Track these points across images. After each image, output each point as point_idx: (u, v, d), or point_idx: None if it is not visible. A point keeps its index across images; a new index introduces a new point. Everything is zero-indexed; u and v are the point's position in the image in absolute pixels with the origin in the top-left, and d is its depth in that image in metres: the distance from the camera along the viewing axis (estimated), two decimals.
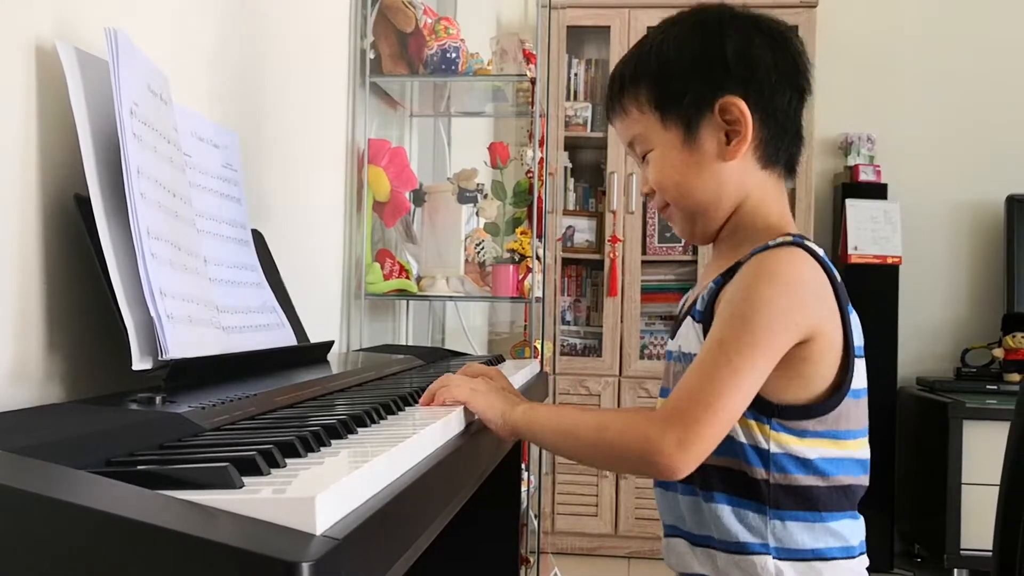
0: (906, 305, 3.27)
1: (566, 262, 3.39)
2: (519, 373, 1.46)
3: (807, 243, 0.95)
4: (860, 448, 0.96)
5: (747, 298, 0.91)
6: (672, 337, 1.06)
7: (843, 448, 0.94)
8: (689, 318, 1.00)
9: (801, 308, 0.91)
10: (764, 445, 0.92)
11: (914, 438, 3.22)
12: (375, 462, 0.64)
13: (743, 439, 0.93)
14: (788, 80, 0.99)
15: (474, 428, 0.96)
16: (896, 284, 3.21)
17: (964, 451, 2.91)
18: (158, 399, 0.82)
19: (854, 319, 0.96)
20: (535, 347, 2.35)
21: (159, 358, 0.93)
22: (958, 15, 3.46)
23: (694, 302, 1.01)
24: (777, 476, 0.92)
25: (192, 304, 1.02)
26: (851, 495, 0.95)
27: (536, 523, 2.56)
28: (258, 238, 1.39)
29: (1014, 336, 3.13)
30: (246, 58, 1.54)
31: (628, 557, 3.22)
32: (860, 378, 0.95)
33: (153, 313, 0.92)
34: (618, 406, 3.21)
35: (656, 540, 3.18)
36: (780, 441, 0.92)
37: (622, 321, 3.24)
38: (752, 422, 0.92)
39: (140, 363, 0.92)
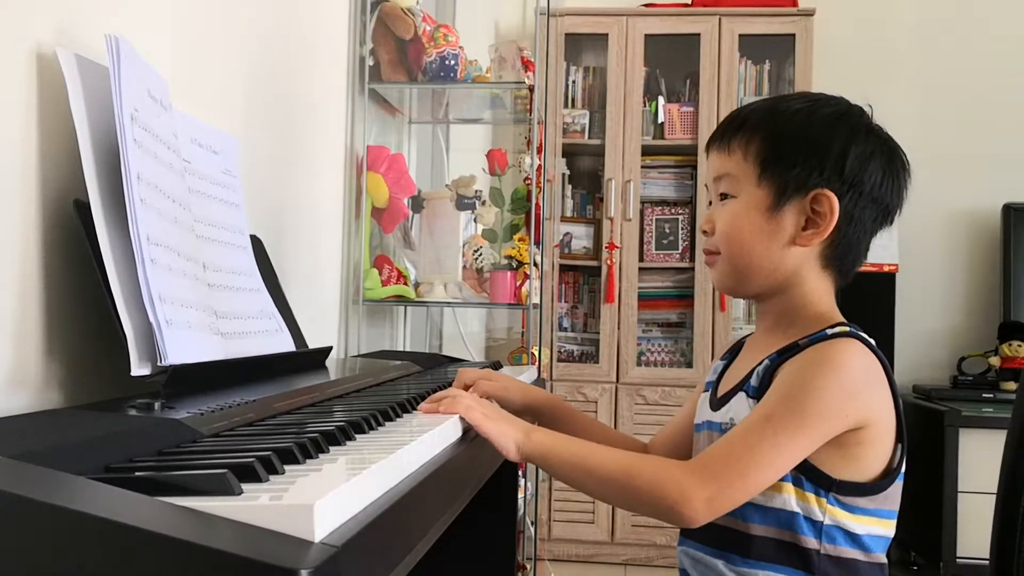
0: (902, 313, 3.27)
1: (563, 269, 3.39)
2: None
3: (863, 335, 0.99)
4: (893, 528, 1.00)
5: (803, 384, 0.94)
6: (713, 409, 1.07)
7: (885, 527, 0.98)
8: (742, 393, 1.03)
9: (853, 400, 0.94)
10: (819, 517, 0.95)
11: (910, 446, 3.22)
12: (373, 469, 0.64)
13: (798, 510, 0.96)
14: (883, 203, 1.02)
15: (472, 435, 0.96)
16: (892, 292, 3.21)
17: (960, 459, 2.91)
18: (157, 405, 0.82)
19: (901, 407, 1.00)
20: (532, 353, 2.35)
21: (158, 364, 0.93)
22: (954, 24, 3.48)
23: (747, 377, 1.03)
24: (828, 547, 0.96)
25: (191, 310, 1.02)
26: (884, 573, 0.99)
27: (533, 530, 2.56)
28: (257, 244, 1.39)
29: (1010, 344, 3.14)
30: (245, 64, 1.54)
31: (624, 564, 3.21)
32: (904, 463, 1.00)
33: (152, 319, 0.93)
34: (615, 412, 3.21)
35: (652, 547, 3.19)
36: (834, 515, 0.95)
37: (619, 328, 3.25)
38: (811, 495, 0.95)
39: (139, 369, 0.92)
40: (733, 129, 1.04)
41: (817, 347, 0.97)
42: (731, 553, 1.00)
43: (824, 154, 1.00)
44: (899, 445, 0.98)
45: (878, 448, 0.97)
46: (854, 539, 0.96)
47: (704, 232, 1.07)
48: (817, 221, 0.99)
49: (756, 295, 1.06)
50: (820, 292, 1.03)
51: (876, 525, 0.97)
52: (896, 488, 0.98)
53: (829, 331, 0.98)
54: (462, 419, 0.96)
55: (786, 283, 1.03)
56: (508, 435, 0.98)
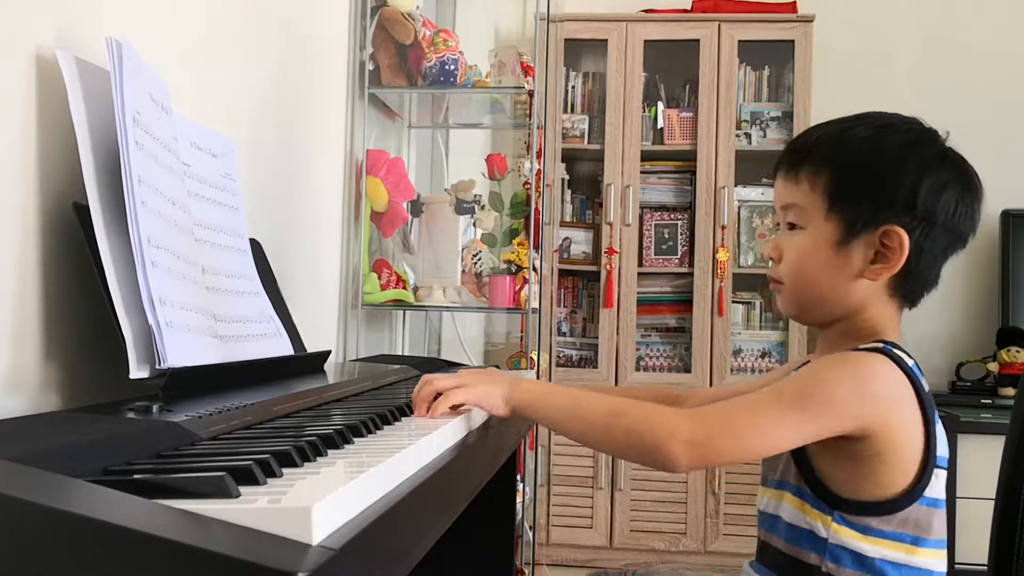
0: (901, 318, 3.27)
1: (562, 273, 3.39)
2: None
3: (896, 352, 0.96)
4: (934, 559, 0.95)
5: (817, 372, 0.94)
6: None
7: (912, 554, 0.93)
8: None
9: (865, 403, 0.91)
10: (823, 535, 0.94)
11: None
12: (371, 472, 0.64)
13: (805, 526, 0.95)
14: (957, 230, 1.00)
15: (471, 439, 0.96)
16: None
17: (959, 465, 2.91)
18: (155, 408, 0.82)
19: (939, 430, 0.96)
20: (531, 358, 2.35)
21: (156, 366, 0.93)
22: (953, 30, 3.48)
23: None
24: (830, 566, 0.94)
25: (190, 313, 1.02)
26: None
27: (531, 535, 2.56)
28: (256, 247, 1.39)
29: (1009, 350, 3.14)
30: (245, 68, 1.55)
31: (623, 569, 3.21)
32: (939, 488, 0.95)
33: (152, 321, 0.93)
34: None
35: (651, 552, 3.18)
36: (840, 534, 0.93)
37: (618, 333, 3.25)
38: (815, 511, 0.95)
39: (137, 371, 0.92)
40: (800, 158, 1.01)
41: (842, 351, 0.97)
42: (763, 566, 1.01)
43: (894, 188, 0.97)
44: (926, 468, 0.94)
45: (900, 467, 0.93)
46: (862, 562, 0.93)
47: (770, 258, 1.05)
48: (887, 255, 0.97)
49: (821, 324, 1.05)
50: (884, 319, 1.01)
51: (897, 551, 0.93)
52: (926, 514, 0.93)
53: (862, 345, 0.97)
54: (463, 422, 0.96)
55: (851, 312, 1.01)
56: (493, 393, 0.98)
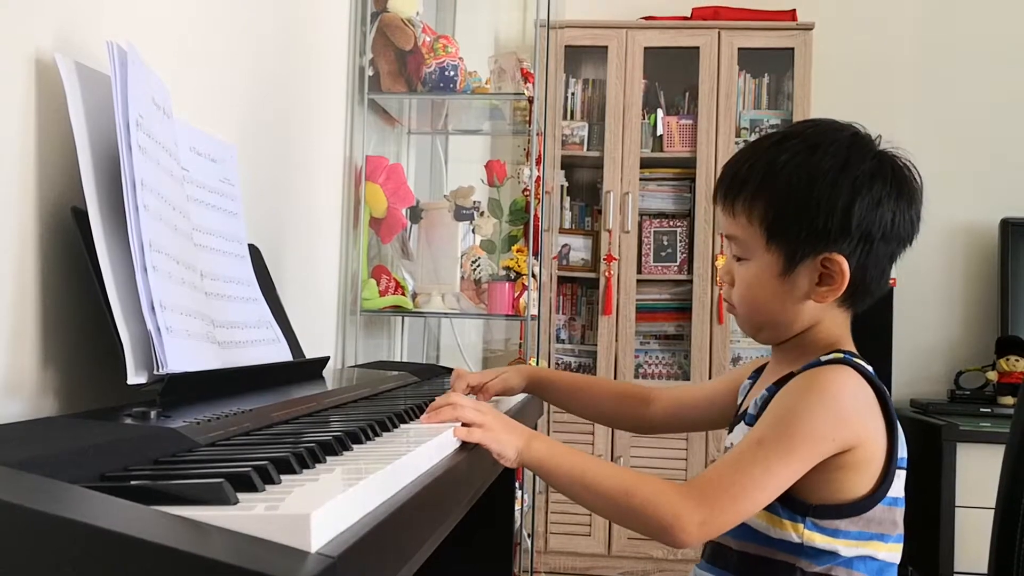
0: (900, 327, 3.27)
1: (561, 280, 3.39)
2: None
3: (856, 360, 0.99)
4: (896, 552, 0.99)
5: (793, 408, 0.95)
6: (728, 431, 1.12)
7: (878, 550, 0.97)
8: (742, 423, 1.05)
9: (841, 424, 0.94)
10: (797, 540, 0.96)
11: (908, 460, 3.21)
12: (370, 480, 0.63)
13: (776, 536, 0.97)
14: (898, 237, 1.01)
15: (469, 446, 0.96)
16: (891, 306, 3.21)
17: (958, 474, 2.91)
18: (153, 414, 0.82)
19: (900, 433, 0.99)
20: (530, 365, 2.34)
21: (156, 371, 0.93)
22: (953, 39, 3.49)
23: (750, 405, 1.06)
24: (804, 563, 0.96)
25: (189, 318, 1.02)
26: None
27: (529, 542, 2.55)
28: (255, 253, 1.39)
29: (1008, 359, 3.14)
30: (245, 73, 1.55)
31: None
32: (899, 488, 0.98)
33: (151, 326, 0.92)
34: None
35: (649, 560, 3.18)
36: (813, 539, 0.96)
37: (616, 340, 3.24)
38: (786, 521, 0.96)
39: (135, 377, 0.91)
40: (735, 191, 1.03)
41: (807, 373, 0.98)
42: (726, 571, 1.01)
43: (828, 217, 0.97)
44: (889, 471, 0.97)
45: (864, 473, 0.96)
46: (836, 561, 0.96)
47: (723, 283, 1.08)
48: (832, 278, 0.99)
49: (779, 342, 1.07)
50: (835, 326, 1.04)
51: (866, 547, 0.96)
52: (887, 512, 0.97)
53: (823, 358, 0.99)
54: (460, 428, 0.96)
55: (805, 327, 1.04)
56: (507, 443, 0.98)
